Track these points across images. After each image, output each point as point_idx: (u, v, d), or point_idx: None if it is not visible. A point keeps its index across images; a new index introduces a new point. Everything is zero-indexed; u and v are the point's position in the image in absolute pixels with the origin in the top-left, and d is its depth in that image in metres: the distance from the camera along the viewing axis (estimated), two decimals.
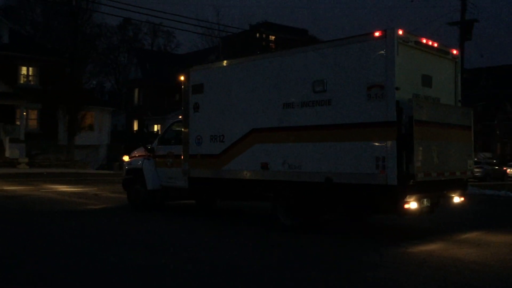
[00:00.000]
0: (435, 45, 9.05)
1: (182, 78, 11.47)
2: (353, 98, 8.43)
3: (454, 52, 9.65)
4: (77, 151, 34.30)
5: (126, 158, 13.30)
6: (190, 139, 11.16)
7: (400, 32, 8.12)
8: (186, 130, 11.26)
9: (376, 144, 8.10)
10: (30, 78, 35.05)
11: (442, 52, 9.35)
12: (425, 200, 8.57)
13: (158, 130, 47.29)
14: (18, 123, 32.01)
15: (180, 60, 52.23)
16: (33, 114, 34.85)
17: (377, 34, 8.19)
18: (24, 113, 32.86)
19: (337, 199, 8.92)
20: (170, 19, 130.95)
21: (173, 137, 12.30)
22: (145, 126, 45.88)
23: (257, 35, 71.20)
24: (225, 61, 10.76)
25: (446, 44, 9.66)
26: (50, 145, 32.77)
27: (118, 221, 10.96)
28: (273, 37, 78.21)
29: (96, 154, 36.09)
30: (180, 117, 12.79)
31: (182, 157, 11.35)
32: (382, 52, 8.10)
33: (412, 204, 8.05)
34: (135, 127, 50.35)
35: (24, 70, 34.84)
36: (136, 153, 13.16)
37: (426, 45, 8.85)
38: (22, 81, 34.55)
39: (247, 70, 10.07)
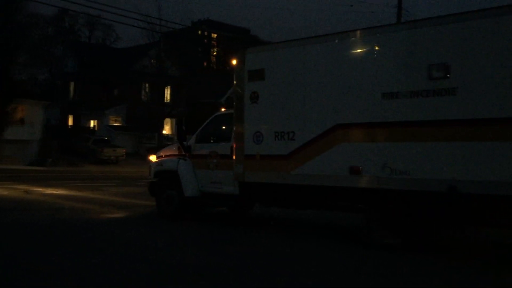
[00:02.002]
0: None
1: (234, 62, 9.50)
2: (492, 87, 6.68)
3: None
4: (7, 146, 31.85)
5: (153, 158, 11.20)
6: (245, 136, 9.19)
7: None
8: (240, 126, 9.28)
9: None
10: None
11: None
12: None
13: (94, 126, 44.96)
14: None
15: (120, 54, 50.01)
16: None
17: None
18: None
19: (462, 213, 7.15)
20: (109, 12, 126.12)
21: (216, 133, 10.29)
22: (80, 122, 43.91)
23: (199, 32, 69.80)
24: (296, 41, 8.81)
25: None
26: None
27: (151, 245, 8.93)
28: (215, 35, 77.18)
29: (27, 149, 33.59)
30: (223, 109, 10.85)
31: (233, 157, 9.38)
32: None
33: None
34: (70, 122, 47.97)
35: None
36: (165, 152, 11.09)
37: None
38: None
39: (330, 52, 8.18)
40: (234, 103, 9.51)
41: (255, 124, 9.10)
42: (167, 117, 41.59)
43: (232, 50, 68.01)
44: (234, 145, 9.39)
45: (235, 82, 9.46)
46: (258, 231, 9.52)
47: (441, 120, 7.06)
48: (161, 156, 11.01)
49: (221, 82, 44.30)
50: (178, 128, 10.31)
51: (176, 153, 10.68)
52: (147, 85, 42.49)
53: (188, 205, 10.32)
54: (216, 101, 41.67)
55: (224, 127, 10.21)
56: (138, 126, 39.22)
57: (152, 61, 41.77)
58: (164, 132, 41.85)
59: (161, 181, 10.74)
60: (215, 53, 73.34)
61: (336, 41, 8.17)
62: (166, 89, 42.48)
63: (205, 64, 65.71)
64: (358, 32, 7.98)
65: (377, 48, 7.69)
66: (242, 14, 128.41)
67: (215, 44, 76.38)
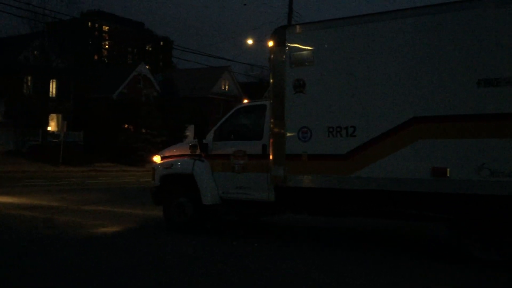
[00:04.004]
0: None
1: (270, 43, 7.94)
2: None
3: None
4: None
5: (157, 158, 9.36)
6: (287, 132, 7.66)
7: None
8: (279, 120, 7.73)
9: None
10: None
11: None
12: None
13: None
14: None
15: None
16: None
17: None
18: None
19: None
20: None
21: (241, 129, 8.68)
22: None
23: (90, 24, 67.24)
24: (361, 17, 7.36)
25: None
26: None
27: None
28: (106, 28, 74.25)
29: None
30: (246, 101, 9.23)
31: (270, 157, 7.82)
32: None
33: None
34: None
35: None
36: (173, 152, 9.29)
37: None
38: None
39: (406, 30, 6.82)
40: (270, 93, 7.96)
41: (301, 118, 7.59)
42: (53, 113, 38.15)
43: (125, 43, 65.63)
44: (271, 143, 7.83)
45: (271, 67, 7.91)
46: (292, 243, 7.97)
47: None
48: (168, 157, 9.21)
49: (113, 76, 42.02)
50: (198, 123, 8.57)
51: (188, 152, 8.93)
52: (29, 78, 38.56)
53: (206, 214, 8.64)
54: (108, 96, 39.40)
55: (251, 122, 8.63)
56: (18, 122, 35.22)
57: (35, 52, 38.20)
58: (49, 128, 38.04)
59: (170, 186, 8.96)
60: (107, 46, 70.47)
61: (413, 17, 6.81)
62: (51, 83, 38.82)
63: (96, 57, 62.62)
64: (452, 4, 6.63)
65: (470, 24, 6.41)
66: (136, 7, 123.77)
67: (107, 37, 73.25)
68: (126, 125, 38.71)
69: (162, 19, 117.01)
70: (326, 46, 7.43)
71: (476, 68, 6.33)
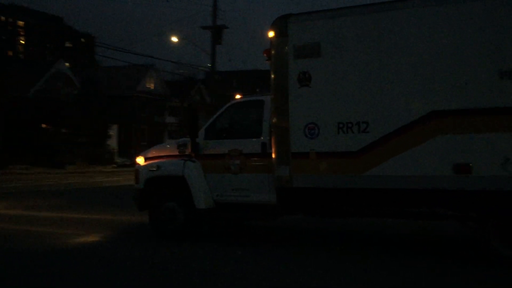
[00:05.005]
0: None
1: (271, 34, 7.38)
2: None
3: None
4: None
5: (140, 160, 8.57)
6: (292, 129, 7.13)
7: None
8: (283, 116, 7.19)
9: None
10: None
11: None
12: None
13: None
14: None
15: None
16: None
17: None
18: None
19: None
20: None
21: (235, 126, 8.08)
22: None
23: (3, 18, 64.59)
24: (372, 6, 6.87)
25: None
26: None
27: None
28: (21, 23, 71.14)
29: None
30: (239, 96, 8.66)
31: (272, 156, 7.28)
32: None
33: None
34: None
35: None
36: (159, 152, 8.55)
37: None
38: None
39: (426, 19, 6.45)
40: (272, 87, 7.41)
41: (307, 113, 7.09)
42: None
43: (43, 39, 62.30)
44: (273, 141, 7.28)
45: (273, 59, 7.36)
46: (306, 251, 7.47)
47: None
48: (153, 158, 8.45)
49: (29, 73, 40.02)
50: (190, 120, 7.88)
51: (176, 153, 8.24)
52: None
53: (198, 219, 7.97)
54: (23, 95, 37.37)
55: (247, 119, 8.05)
56: None
57: None
58: None
59: (157, 190, 8.22)
60: (22, 42, 67.52)
61: (439, 6, 6.43)
62: None
63: (11, 53, 59.73)
64: None
65: (497, 13, 6.13)
66: (53, 1, 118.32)
67: (22, 33, 70.13)
68: (44, 125, 36.62)
69: (82, 14, 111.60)
70: (333, 37, 6.95)
71: (500, 59, 6.07)
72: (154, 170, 8.21)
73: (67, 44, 70.66)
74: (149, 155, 8.57)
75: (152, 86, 56.16)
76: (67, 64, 45.97)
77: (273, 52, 7.33)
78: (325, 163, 6.97)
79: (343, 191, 6.94)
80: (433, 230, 8.46)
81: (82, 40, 69.89)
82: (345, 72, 6.90)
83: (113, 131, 45.93)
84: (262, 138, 7.62)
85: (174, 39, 29.61)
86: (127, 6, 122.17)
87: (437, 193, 6.39)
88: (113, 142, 46.38)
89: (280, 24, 7.26)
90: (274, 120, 7.29)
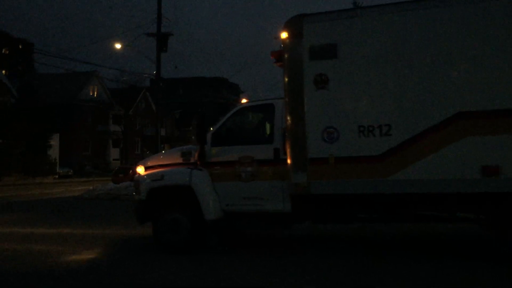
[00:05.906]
0: None
1: (284, 35, 7.09)
2: None
3: None
4: None
5: (141, 169, 8.06)
6: (309, 133, 6.84)
7: None
8: (298, 120, 6.89)
9: None
10: None
11: None
12: None
13: None
14: None
15: None
16: None
17: None
18: None
19: None
20: None
21: (244, 132, 7.75)
22: None
23: None
24: (394, 5, 6.69)
25: None
26: None
27: None
28: None
29: None
30: (244, 100, 8.29)
31: (288, 162, 6.95)
32: None
33: None
34: None
35: None
36: (160, 161, 8.06)
37: None
38: None
39: (452, 18, 6.32)
40: (286, 90, 7.11)
41: (325, 116, 6.82)
42: None
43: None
44: (288, 147, 6.97)
45: (286, 61, 7.07)
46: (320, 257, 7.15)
47: None
48: (154, 167, 7.97)
49: None
50: (198, 126, 7.45)
51: (179, 160, 7.79)
52: None
53: (207, 230, 7.55)
54: None
55: (257, 124, 7.72)
56: None
57: None
58: None
59: (160, 201, 7.73)
60: None
61: (466, 4, 6.31)
62: None
63: None
64: None
65: None
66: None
67: None
68: None
69: (20, 21, 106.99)
70: (351, 37, 6.75)
71: None
72: (157, 180, 7.72)
73: (3, 51, 67.26)
74: (150, 164, 8.07)
75: (95, 94, 54.59)
76: (3, 71, 43.79)
77: (286, 54, 7.04)
78: (346, 168, 6.72)
79: (364, 197, 6.70)
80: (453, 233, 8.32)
81: (20, 46, 66.72)
82: (364, 74, 6.70)
83: (54, 140, 44.05)
84: (274, 143, 7.29)
85: (118, 45, 28.83)
86: (69, 13, 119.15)
87: (463, 197, 6.25)
88: (54, 152, 44.41)
89: (295, 25, 6.99)
90: (288, 124, 6.98)
